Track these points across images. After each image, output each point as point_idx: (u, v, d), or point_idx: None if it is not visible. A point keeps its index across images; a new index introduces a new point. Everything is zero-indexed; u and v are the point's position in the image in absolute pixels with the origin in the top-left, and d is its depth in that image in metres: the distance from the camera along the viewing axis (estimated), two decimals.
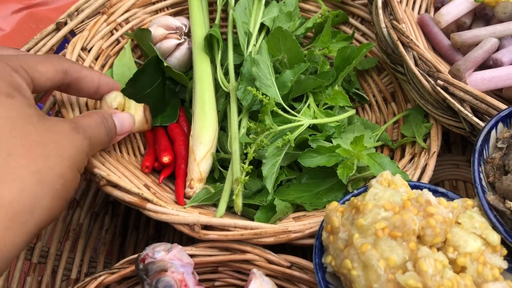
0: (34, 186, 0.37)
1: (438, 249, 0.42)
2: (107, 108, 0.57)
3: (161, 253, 0.47)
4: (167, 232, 0.73)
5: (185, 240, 0.72)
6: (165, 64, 0.66)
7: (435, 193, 0.49)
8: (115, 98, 0.58)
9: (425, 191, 0.43)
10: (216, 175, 0.63)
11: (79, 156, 0.43)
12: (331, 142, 0.61)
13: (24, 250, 0.62)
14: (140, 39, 0.70)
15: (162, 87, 0.69)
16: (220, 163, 0.63)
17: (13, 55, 0.45)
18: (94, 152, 0.51)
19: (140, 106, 0.62)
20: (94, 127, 0.48)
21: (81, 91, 0.54)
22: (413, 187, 0.49)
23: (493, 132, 0.50)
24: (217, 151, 0.64)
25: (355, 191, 0.50)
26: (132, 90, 0.63)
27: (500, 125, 0.50)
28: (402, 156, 0.64)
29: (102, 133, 0.49)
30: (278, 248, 0.53)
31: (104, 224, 0.73)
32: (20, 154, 0.38)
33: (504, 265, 0.42)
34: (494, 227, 0.44)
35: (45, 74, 0.46)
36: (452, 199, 0.47)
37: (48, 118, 0.43)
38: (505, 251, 0.43)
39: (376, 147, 0.65)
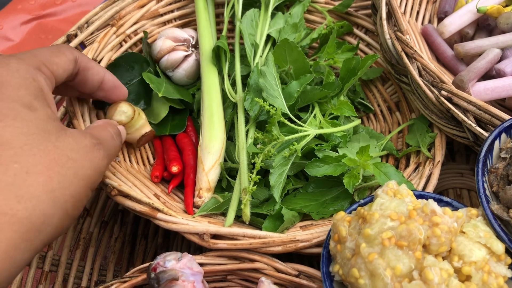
0: (47, 205, 0.37)
1: (444, 258, 0.43)
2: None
3: (171, 262, 0.48)
4: (176, 241, 0.74)
5: (193, 248, 0.73)
6: (160, 95, 0.67)
7: (440, 202, 0.50)
8: (126, 111, 0.59)
9: (430, 201, 0.44)
10: (224, 184, 0.64)
11: (96, 176, 0.43)
12: (337, 152, 0.62)
13: (36, 258, 0.63)
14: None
15: (141, 85, 0.70)
16: (228, 173, 0.64)
17: (29, 53, 0.45)
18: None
19: (147, 127, 0.64)
20: (110, 141, 0.47)
21: (86, 83, 0.53)
22: (418, 196, 0.50)
23: (497, 142, 0.50)
24: (225, 160, 0.65)
25: (362, 201, 0.51)
26: None
27: (503, 135, 0.51)
28: (407, 165, 0.64)
29: (117, 146, 0.49)
30: (285, 257, 0.54)
31: (113, 232, 0.74)
32: (38, 172, 0.38)
33: (509, 273, 0.43)
34: (499, 236, 0.44)
35: (62, 65, 0.46)
36: (456, 208, 0.48)
37: (69, 133, 0.42)
38: (509, 260, 0.44)
39: (381, 156, 0.66)
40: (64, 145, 0.40)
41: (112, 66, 0.68)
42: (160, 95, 0.67)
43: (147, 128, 0.63)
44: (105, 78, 0.55)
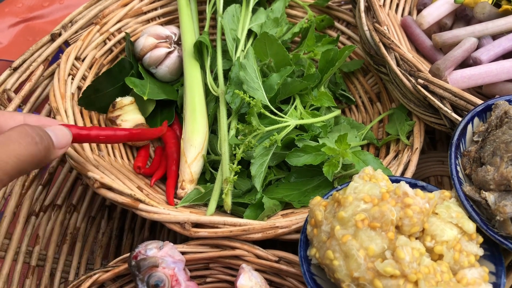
0: None
1: (417, 238, 0.44)
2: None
3: (153, 250, 0.49)
4: (161, 234, 0.74)
5: (179, 241, 0.73)
6: (145, 98, 0.68)
7: (415, 186, 0.50)
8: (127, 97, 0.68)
9: (402, 183, 0.44)
10: (208, 176, 0.65)
11: None
12: (318, 142, 0.63)
13: (23, 253, 0.64)
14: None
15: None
16: (211, 165, 0.65)
17: None
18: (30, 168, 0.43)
19: (135, 122, 0.68)
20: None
21: None
22: (395, 181, 0.51)
23: (469, 126, 0.51)
24: (208, 153, 0.66)
25: (339, 187, 0.52)
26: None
27: (476, 119, 0.52)
28: (387, 153, 0.65)
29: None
30: (269, 244, 0.55)
31: (100, 227, 0.75)
32: None
33: (480, 252, 0.44)
34: (470, 217, 0.45)
35: None
36: (431, 191, 0.49)
37: None
38: (481, 239, 0.45)
39: (362, 146, 0.67)
40: None
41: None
42: (145, 98, 0.67)
43: (142, 119, 0.69)
44: None
